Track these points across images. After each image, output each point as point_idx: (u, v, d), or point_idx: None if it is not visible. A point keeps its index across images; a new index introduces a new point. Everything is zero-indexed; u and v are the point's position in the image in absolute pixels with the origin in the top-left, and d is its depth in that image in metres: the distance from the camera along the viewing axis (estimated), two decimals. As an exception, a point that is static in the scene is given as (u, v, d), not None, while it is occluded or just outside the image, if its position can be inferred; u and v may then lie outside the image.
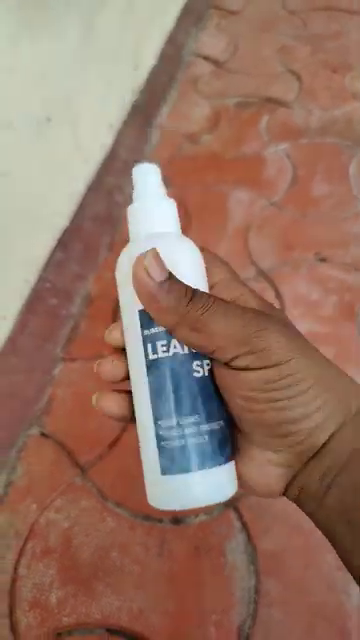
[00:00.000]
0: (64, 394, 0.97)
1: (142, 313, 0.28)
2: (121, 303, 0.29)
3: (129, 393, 0.30)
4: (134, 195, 0.29)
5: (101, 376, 0.30)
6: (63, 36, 1.02)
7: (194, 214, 1.28)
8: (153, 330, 0.27)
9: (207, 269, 0.30)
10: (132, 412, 0.30)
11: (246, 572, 0.75)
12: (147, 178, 0.29)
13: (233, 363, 0.26)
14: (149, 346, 0.27)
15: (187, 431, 0.26)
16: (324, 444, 0.27)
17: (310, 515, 0.28)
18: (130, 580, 0.77)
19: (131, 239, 0.29)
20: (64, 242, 1.15)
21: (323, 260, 1.14)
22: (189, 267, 0.27)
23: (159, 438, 0.26)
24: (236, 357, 0.26)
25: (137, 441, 0.29)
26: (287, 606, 0.72)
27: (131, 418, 0.31)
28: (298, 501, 0.28)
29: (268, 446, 0.28)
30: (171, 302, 0.26)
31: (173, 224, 0.28)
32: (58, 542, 0.80)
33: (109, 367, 0.30)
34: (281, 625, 0.71)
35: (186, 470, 0.26)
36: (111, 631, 0.73)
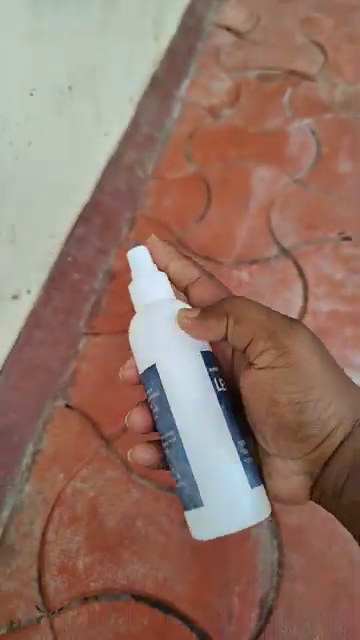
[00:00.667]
0: (88, 367, 0.98)
1: (205, 354, 0.32)
2: (139, 360, 0.33)
3: (158, 442, 0.33)
4: (132, 275, 0.34)
5: (133, 429, 0.34)
6: (86, 5, 1.00)
7: (215, 191, 1.26)
8: (215, 368, 0.32)
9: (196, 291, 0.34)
10: (161, 459, 0.33)
11: (269, 546, 0.77)
12: (139, 260, 0.34)
13: (258, 360, 0.28)
14: (215, 380, 0.31)
15: (247, 451, 0.30)
16: (334, 451, 0.28)
17: (334, 515, 0.29)
18: (155, 549, 0.79)
19: (136, 310, 0.34)
20: (85, 217, 1.15)
21: (347, 239, 1.13)
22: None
23: (242, 456, 0.30)
24: (262, 352, 0.28)
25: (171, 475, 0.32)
26: (310, 581, 0.74)
27: (160, 464, 0.34)
28: (321, 503, 0.30)
29: (288, 453, 0.29)
30: (213, 317, 0.30)
31: (166, 291, 0.33)
32: (84, 510, 0.83)
33: (139, 419, 0.33)
34: (304, 599, 0.73)
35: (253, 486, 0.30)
36: (136, 597, 0.75)
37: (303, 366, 0.27)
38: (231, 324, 0.29)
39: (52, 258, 1.04)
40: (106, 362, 0.99)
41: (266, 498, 0.31)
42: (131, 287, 0.34)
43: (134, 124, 1.34)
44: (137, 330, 0.33)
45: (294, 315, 1.02)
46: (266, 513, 0.30)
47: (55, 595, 0.76)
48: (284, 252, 1.13)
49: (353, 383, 0.30)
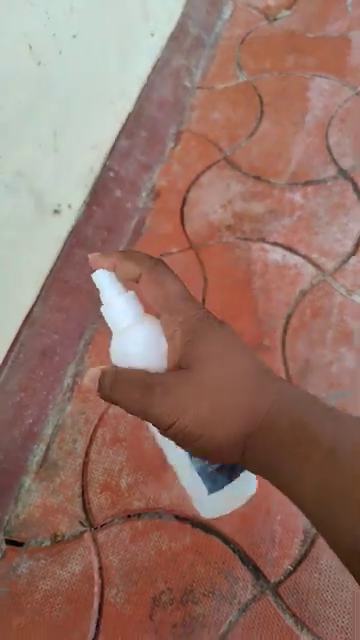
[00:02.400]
0: (130, 290, 0.94)
1: None
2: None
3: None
4: (101, 298, 0.33)
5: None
6: None
7: (268, 104, 1.15)
8: None
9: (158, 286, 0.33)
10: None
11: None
12: (103, 285, 0.33)
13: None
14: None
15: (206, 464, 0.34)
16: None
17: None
18: (198, 473, 0.78)
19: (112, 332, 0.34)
20: (129, 129, 1.06)
21: None
22: (140, 354, 0.32)
23: (199, 470, 0.34)
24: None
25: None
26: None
27: None
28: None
29: None
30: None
31: (130, 316, 0.33)
32: (127, 432, 0.82)
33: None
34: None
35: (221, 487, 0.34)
36: (179, 518, 0.75)
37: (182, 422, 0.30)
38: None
39: (94, 172, 0.97)
40: (149, 285, 0.95)
41: (233, 496, 0.35)
42: (103, 311, 0.34)
43: (181, 25, 1.21)
44: (116, 351, 0.33)
45: (349, 242, 0.95)
46: (233, 507, 0.35)
47: (98, 511, 0.77)
48: (342, 173, 1.04)
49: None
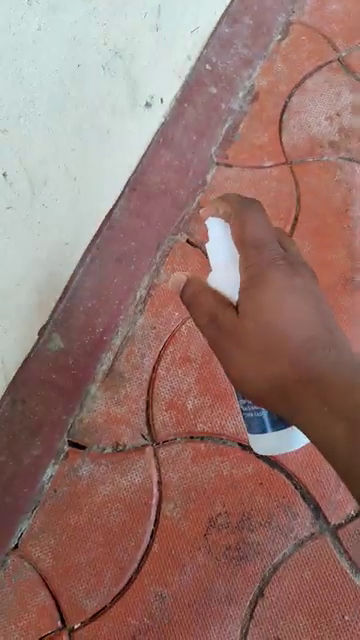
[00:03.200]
0: (215, 202, 0.86)
1: None
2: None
3: None
4: (208, 236, 0.35)
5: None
6: None
7: None
8: None
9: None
10: None
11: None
12: (212, 225, 0.35)
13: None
14: None
15: (244, 409, 0.36)
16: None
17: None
18: (268, 405, 0.75)
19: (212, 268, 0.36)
20: (233, 14, 0.93)
21: None
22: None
23: (241, 410, 0.36)
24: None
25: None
26: None
27: None
28: None
29: None
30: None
31: (225, 258, 0.34)
32: (198, 353, 0.78)
33: None
34: None
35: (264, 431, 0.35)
36: (244, 447, 0.73)
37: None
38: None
39: (190, 61, 0.86)
40: (236, 199, 0.86)
41: (273, 444, 0.35)
42: (207, 247, 0.36)
43: None
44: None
45: None
46: (280, 451, 0.35)
47: (161, 428, 0.75)
48: None
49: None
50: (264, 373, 0.30)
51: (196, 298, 0.33)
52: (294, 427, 0.32)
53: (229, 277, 0.33)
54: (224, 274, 0.34)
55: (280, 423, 0.34)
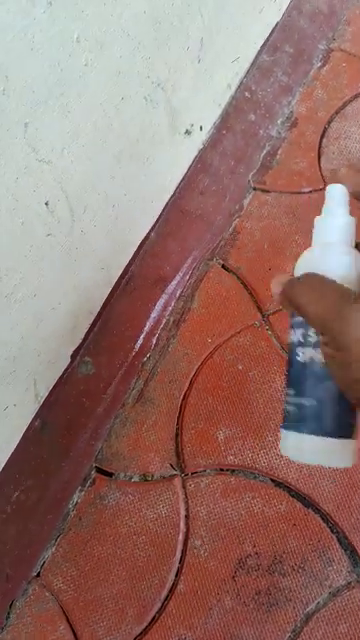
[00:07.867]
0: (252, 228, 0.85)
1: None
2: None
3: None
4: (323, 209, 0.32)
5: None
6: None
7: None
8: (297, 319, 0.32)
9: None
10: None
11: None
12: (333, 199, 0.32)
13: (324, 341, 0.28)
14: (293, 331, 0.32)
15: (287, 399, 0.32)
16: None
17: None
18: (303, 439, 0.71)
19: (312, 244, 0.33)
20: (273, 42, 0.93)
21: None
22: (336, 274, 0.29)
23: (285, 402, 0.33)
24: (322, 334, 0.28)
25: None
26: None
27: None
28: None
29: None
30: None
31: (340, 235, 0.31)
32: (231, 382, 0.76)
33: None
34: None
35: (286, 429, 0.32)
36: (277, 483, 0.69)
37: (352, 350, 0.26)
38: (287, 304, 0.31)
39: (230, 90, 0.86)
40: (273, 225, 0.85)
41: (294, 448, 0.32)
42: (316, 220, 0.32)
43: None
44: (303, 263, 0.32)
45: None
46: (310, 461, 0.32)
47: (190, 458, 0.73)
48: None
49: None
50: None
51: (300, 286, 0.29)
52: (350, 441, 0.32)
53: (343, 255, 0.30)
54: (338, 249, 0.31)
55: (338, 431, 0.31)
